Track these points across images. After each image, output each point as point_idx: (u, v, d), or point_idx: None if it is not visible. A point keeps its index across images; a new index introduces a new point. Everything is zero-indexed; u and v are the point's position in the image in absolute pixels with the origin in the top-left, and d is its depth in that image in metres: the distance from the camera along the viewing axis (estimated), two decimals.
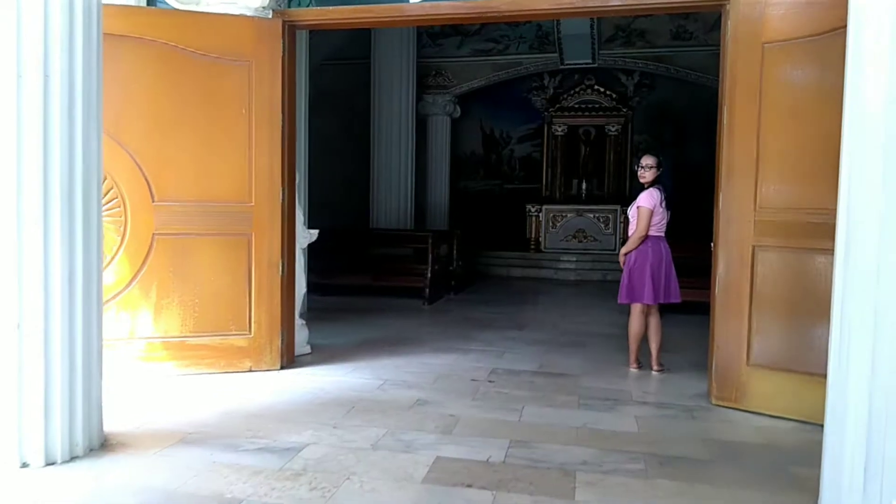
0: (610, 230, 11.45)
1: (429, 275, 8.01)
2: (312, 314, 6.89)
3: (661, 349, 4.80)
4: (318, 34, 9.51)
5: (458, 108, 12.32)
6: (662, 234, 4.73)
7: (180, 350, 4.34)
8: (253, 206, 4.43)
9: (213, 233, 4.37)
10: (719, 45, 4.18)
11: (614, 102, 12.11)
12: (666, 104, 12.41)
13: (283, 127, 4.48)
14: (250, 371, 4.46)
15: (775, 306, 3.75)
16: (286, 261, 4.59)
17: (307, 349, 5.08)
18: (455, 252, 9.14)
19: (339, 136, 11.63)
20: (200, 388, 4.07)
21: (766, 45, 3.71)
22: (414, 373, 4.59)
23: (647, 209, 4.65)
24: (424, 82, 11.76)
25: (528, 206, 11.74)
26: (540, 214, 11.65)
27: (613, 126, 12.18)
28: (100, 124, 3.08)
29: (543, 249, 11.54)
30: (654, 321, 4.81)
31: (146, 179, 4.24)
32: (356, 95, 11.23)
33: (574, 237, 11.55)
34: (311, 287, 7.61)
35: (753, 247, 3.80)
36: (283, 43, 4.48)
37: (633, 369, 4.83)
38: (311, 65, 10.14)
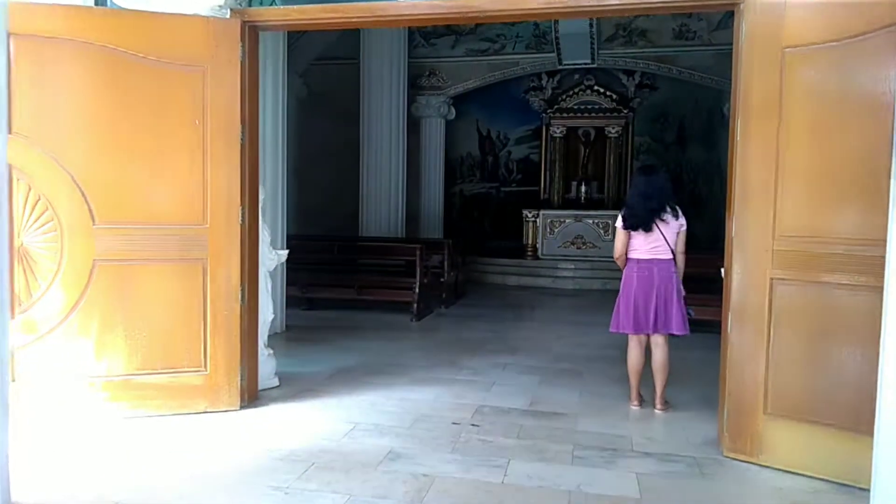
0: (609, 236, 10.92)
1: (417, 289, 7.54)
2: (291, 333, 6.49)
3: (666, 385, 4.32)
4: (306, 34, 9.08)
5: (453, 110, 11.85)
6: (658, 258, 4.23)
7: (126, 389, 3.87)
8: (208, 227, 3.95)
9: (164, 258, 3.90)
10: (724, 45, 3.72)
11: (615, 103, 11.66)
12: (668, 105, 11.99)
13: (242, 139, 4.01)
14: (206, 412, 3.99)
15: (797, 349, 3.26)
16: (247, 287, 4.12)
17: (274, 381, 4.60)
18: (446, 262, 8.66)
19: (328, 139, 11.16)
20: (143, 437, 3.59)
21: (786, 49, 3.22)
22: (389, 413, 4.12)
23: (620, 230, 4.29)
24: (417, 83, 11.31)
25: (525, 212, 11.27)
26: (537, 220, 11.19)
27: (614, 128, 11.76)
28: (3, 142, 2.62)
29: (541, 256, 11.09)
30: (659, 354, 4.30)
31: (86, 199, 3.76)
32: (346, 97, 10.74)
33: (572, 243, 11.10)
34: (293, 301, 7.23)
35: (772, 280, 3.32)
36: (244, 46, 4.00)
37: (633, 407, 4.35)
38: (300, 66, 9.77)
